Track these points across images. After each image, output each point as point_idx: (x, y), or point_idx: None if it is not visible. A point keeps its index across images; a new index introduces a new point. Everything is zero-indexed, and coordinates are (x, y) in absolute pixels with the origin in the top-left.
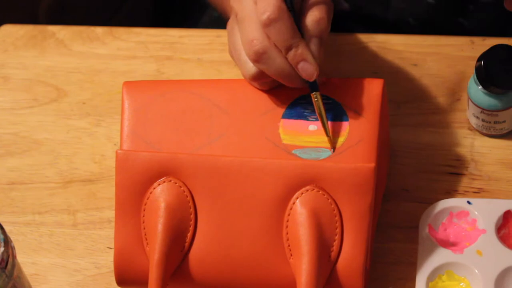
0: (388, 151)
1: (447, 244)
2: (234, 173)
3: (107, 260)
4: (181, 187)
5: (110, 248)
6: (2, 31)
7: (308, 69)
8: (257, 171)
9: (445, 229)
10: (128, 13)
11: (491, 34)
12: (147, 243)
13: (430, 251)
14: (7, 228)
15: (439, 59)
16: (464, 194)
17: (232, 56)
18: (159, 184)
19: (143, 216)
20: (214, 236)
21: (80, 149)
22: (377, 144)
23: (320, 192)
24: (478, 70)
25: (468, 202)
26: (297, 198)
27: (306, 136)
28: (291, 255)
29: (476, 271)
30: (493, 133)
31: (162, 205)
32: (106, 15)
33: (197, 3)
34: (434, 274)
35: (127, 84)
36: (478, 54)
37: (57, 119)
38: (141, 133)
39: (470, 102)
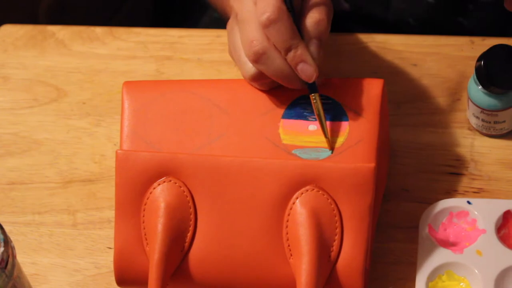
0: (388, 151)
1: (447, 244)
2: (234, 173)
3: (107, 260)
4: (181, 187)
5: (110, 248)
6: (2, 31)
7: (307, 70)
8: (257, 171)
9: (445, 229)
10: (128, 13)
11: (491, 34)
12: (147, 243)
13: (430, 251)
14: (7, 228)
15: (439, 59)
16: (464, 194)
17: (232, 56)
18: (159, 184)
19: (143, 216)
20: (214, 236)
21: (80, 149)
22: (377, 144)
23: (320, 192)
24: (478, 70)
25: (468, 202)
26: (297, 198)
27: (306, 136)
28: (291, 255)
29: (476, 271)
30: (493, 133)
31: (162, 205)
32: (106, 15)
33: (197, 3)
34: (434, 274)
35: (127, 84)
36: (478, 54)
37: (57, 119)
38: (141, 133)
39: (470, 102)
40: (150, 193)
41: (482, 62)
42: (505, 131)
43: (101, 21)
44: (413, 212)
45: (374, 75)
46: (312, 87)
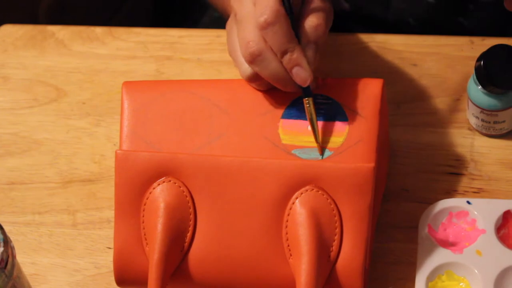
0: (388, 151)
1: (446, 244)
2: (234, 173)
3: (107, 260)
4: (180, 187)
5: (109, 248)
6: (2, 31)
7: (302, 74)
8: (256, 171)
9: (445, 229)
10: (128, 13)
11: (491, 34)
12: (147, 243)
13: (429, 251)
14: (6, 228)
15: (439, 59)
16: (464, 194)
17: (231, 56)
18: (158, 184)
19: (143, 216)
20: (213, 236)
21: (80, 149)
22: (377, 144)
23: (320, 192)
24: (478, 70)
25: (468, 202)
26: (296, 198)
27: (306, 136)
28: (291, 255)
29: (476, 271)
30: (493, 133)
31: (162, 205)
32: (106, 15)
33: (197, 3)
34: (434, 274)
35: (127, 84)
36: (477, 54)
37: (57, 119)
38: (140, 133)
39: (469, 102)
40: (150, 193)
41: (482, 62)
42: (504, 131)
43: (101, 21)
44: (413, 212)
45: (374, 75)
46: (306, 91)
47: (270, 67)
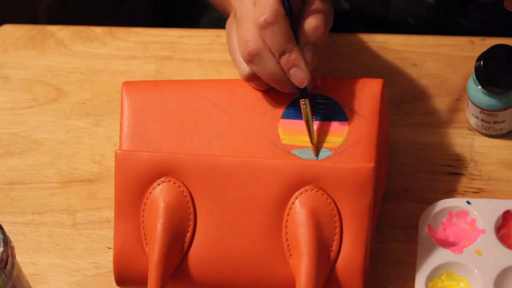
0: (387, 151)
1: (446, 244)
2: (234, 173)
3: (107, 260)
4: (180, 187)
5: (109, 248)
6: (2, 31)
7: (299, 75)
8: (256, 171)
9: (445, 229)
10: (128, 13)
11: (491, 34)
12: (147, 243)
13: (429, 251)
14: (6, 228)
15: (439, 59)
16: (464, 194)
17: (230, 55)
18: (158, 184)
19: (143, 216)
20: (213, 236)
21: (80, 149)
22: (377, 144)
23: (320, 192)
24: (478, 70)
25: (468, 202)
26: (296, 198)
27: (305, 136)
28: (291, 255)
29: (476, 271)
30: (493, 133)
31: (162, 205)
32: (106, 15)
33: (197, 3)
34: (434, 274)
35: (127, 84)
36: (477, 54)
37: (57, 119)
38: (140, 133)
39: (469, 102)
40: (150, 193)
41: (482, 62)
42: (504, 131)
43: (101, 21)
44: (413, 212)
45: (374, 75)
46: (303, 92)
47: (268, 67)
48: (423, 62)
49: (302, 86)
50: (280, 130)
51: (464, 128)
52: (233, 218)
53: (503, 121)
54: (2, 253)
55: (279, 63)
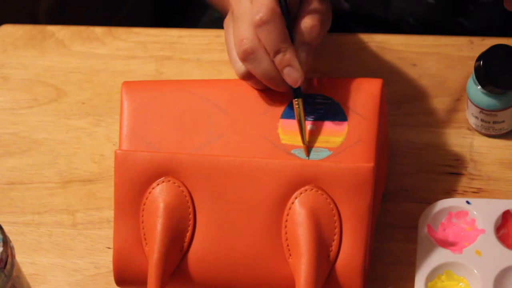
0: (387, 151)
1: (446, 244)
2: (234, 173)
3: (106, 260)
4: (180, 187)
5: (109, 248)
6: (2, 31)
7: (293, 75)
8: (256, 171)
9: (444, 229)
10: (128, 13)
11: (491, 34)
12: (146, 243)
13: (429, 251)
14: (6, 228)
15: (438, 59)
16: (463, 194)
17: (227, 54)
18: (158, 184)
19: (142, 216)
20: (213, 236)
21: (79, 149)
22: (376, 144)
23: (319, 192)
24: (477, 70)
25: (467, 202)
26: (296, 198)
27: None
28: (290, 255)
29: (475, 271)
30: (492, 133)
31: (161, 205)
32: (106, 15)
33: (197, 3)
34: (433, 274)
35: (126, 84)
36: (477, 54)
37: (56, 119)
38: (140, 133)
39: (469, 102)
40: (149, 193)
41: (481, 62)
42: (504, 131)
43: (101, 21)
44: (412, 212)
45: (374, 75)
46: (297, 92)
47: (262, 66)
48: (422, 62)
49: (296, 86)
50: (279, 130)
51: (463, 128)
52: (233, 218)
53: (503, 121)
54: (1, 253)
55: (273, 62)
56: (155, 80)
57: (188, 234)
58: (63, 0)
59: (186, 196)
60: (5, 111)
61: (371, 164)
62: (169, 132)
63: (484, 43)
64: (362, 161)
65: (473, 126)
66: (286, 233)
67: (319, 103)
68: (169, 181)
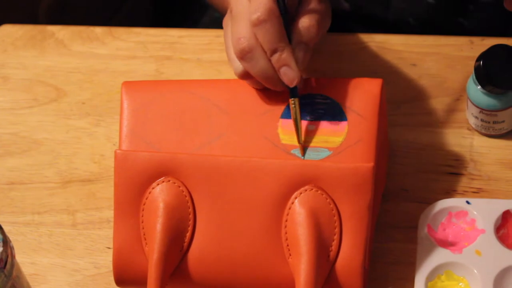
0: (387, 151)
1: (446, 244)
2: (233, 173)
3: (106, 260)
4: (180, 187)
5: (109, 248)
6: (2, 31)
7: (289, 74)
8: (256, 171)
9: (444, 229)
10: (128, 13)
11: (491, 34)
12: (146, 243)
13: (429, 251)
14: (6, 228)
15: (438, 59)
16: (463, 194)
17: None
18: (158, 184)
19: (142, 216)
20: (213, 236)
21: (79, 149)
22: (376, 143)
23: (319, 191)
24: (477, 70)
25: (467, 202)
26: (295, 197)
27: (305, 136)
28: (290, 254)
29: (475, 271)
30: (492, 133)
31: (161, 205)
32: (106, 15)
33: (197, 3)
34: (433, 274)
35: (126, 84)
36: (477, 54)
37: (56, 119)
38: (140, 133)
39: (469, 102)
40: (149, 193)
41: (481, 62)
42: (504, 131)
43: (101, 21)
44: (412, 212)
45: (374, 75)
46: (293, 92)
47: (259, 65)
48: (422, 62)
49: (292, 85)
50: (279, 130)
51: (463, 128)
52: (233, 218)
53: (503, 121)
54: (1, 253)
55: (270, 61)
56: (155, 80)
57: (188, 234)
58: (63, 0)
59: (186, 196)
60: (5, 111)
61: (371, 164)
62: (169, 132)
63: (484, 43)
64: (362, 161)
65: (473, 126)
66: (286, 233)
67: (319, 103)
68: (169, 181)
